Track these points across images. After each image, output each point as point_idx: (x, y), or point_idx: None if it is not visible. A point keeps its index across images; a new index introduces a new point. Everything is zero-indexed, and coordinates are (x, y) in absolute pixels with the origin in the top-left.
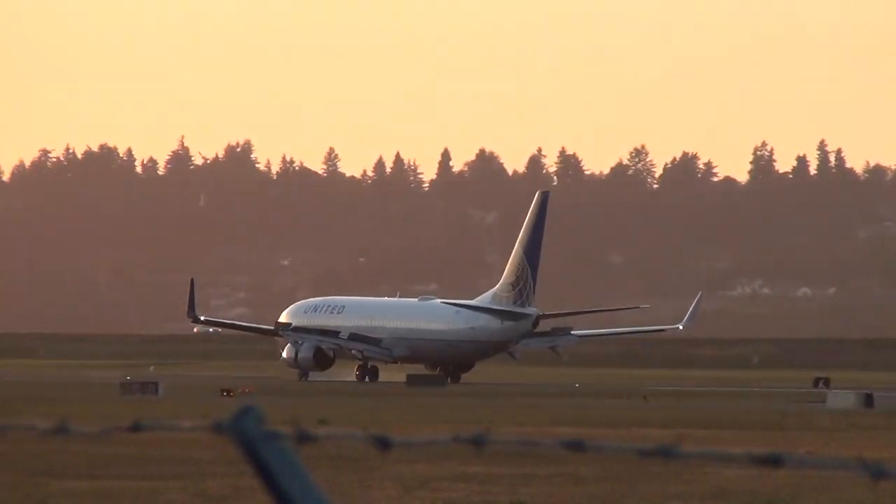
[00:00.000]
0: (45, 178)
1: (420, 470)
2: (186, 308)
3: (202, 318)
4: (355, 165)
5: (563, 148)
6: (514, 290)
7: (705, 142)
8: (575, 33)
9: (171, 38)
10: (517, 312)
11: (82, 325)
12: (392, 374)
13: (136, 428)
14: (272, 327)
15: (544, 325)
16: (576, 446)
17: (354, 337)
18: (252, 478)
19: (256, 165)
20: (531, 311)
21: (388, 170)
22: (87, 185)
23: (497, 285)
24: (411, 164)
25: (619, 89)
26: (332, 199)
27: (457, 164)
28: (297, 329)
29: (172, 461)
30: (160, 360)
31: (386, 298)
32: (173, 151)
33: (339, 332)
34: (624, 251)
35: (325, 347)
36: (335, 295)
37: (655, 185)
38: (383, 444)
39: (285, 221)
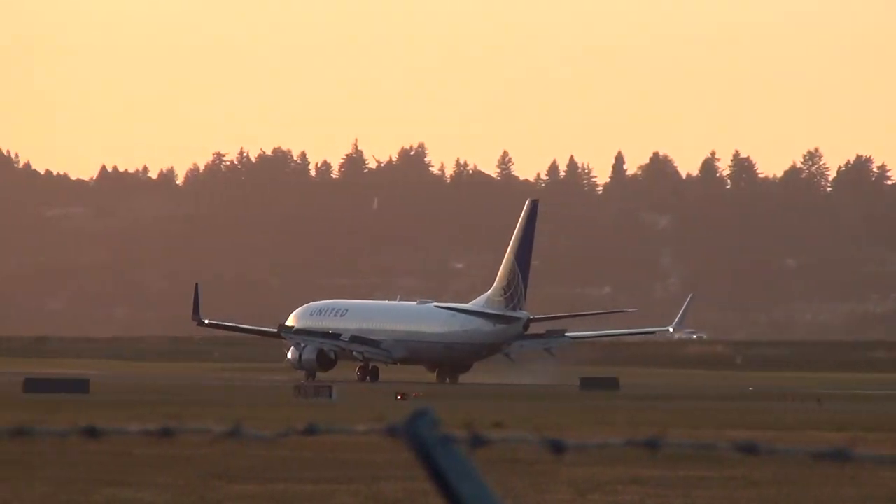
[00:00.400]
0: (218, 181)
1: (594, 473)
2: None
3: (206, 320)
4: (529, 169)
5: (736, 151)
6: (505, 294)
7: (879, 145)
8: (750, 36)
9: (346, 42)
10: (509, 316)
11: None
12: (397, 373)
13: (310, 431)
14: (275, 330)
15: (540, 328)
16: (749, 449)
17: (355, 339)
18: (426, 481)
19: (430, 169)
20: (522, 314)
21: (562, 173)
22: (260, 188)
23: (490, 290)
24: (585, 167)
25: (793, 92)
26: (505, 203)
27: (630, 168)
28: (299, 332)
29: (346, 465)
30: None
31: (386, 302)
32: (347, 155)
33: (340, 335)
34: (797, 254)
35: (326, 349)
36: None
37: (829, 188)
38: (557, 447)
39: (459, 225)
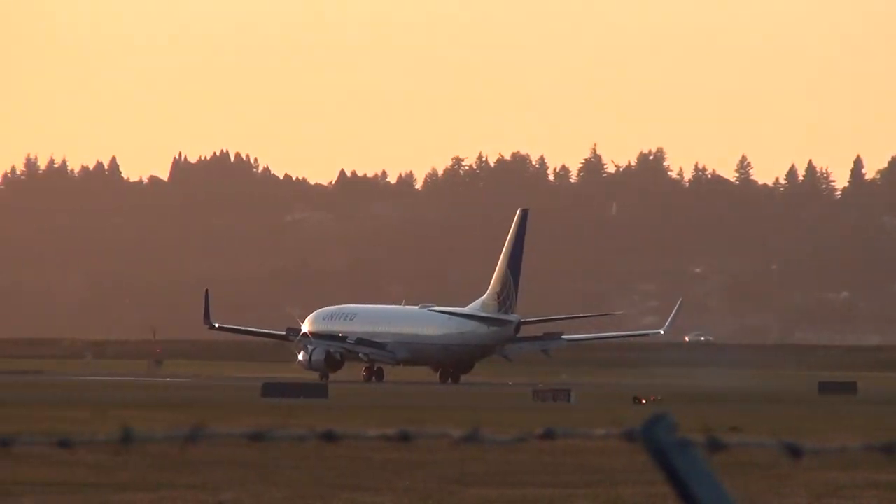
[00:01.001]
0: (456, 186)
1: (832, 478)
2: (203, 316)
3: (216, 325)
4: (768, 173)
5: None
6: (499, 298)
7: None
8: None
9: (586, 46)
10: (501, 319)
11: None
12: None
13: (548, 435)
14: (284, 333)
15: (536, 330)
16: None
17: (361, 341)
18: (664, 485)
19: (668, 173)
20: (513, 317)
21: (801, 178)
22: (496, 193)
23: (484, 295)
24: (823, 171)
25: None
26: (744, 207)
27: (869, 172)
28: (306, 335)
29: (584, 469)
30: (571, 367)
31: (391, 306)
32: (586, 159)
33: (346, 337)
34: None
35: (333, 351)
36: None
37: None
38: (794, 451)
39: (697, 229)
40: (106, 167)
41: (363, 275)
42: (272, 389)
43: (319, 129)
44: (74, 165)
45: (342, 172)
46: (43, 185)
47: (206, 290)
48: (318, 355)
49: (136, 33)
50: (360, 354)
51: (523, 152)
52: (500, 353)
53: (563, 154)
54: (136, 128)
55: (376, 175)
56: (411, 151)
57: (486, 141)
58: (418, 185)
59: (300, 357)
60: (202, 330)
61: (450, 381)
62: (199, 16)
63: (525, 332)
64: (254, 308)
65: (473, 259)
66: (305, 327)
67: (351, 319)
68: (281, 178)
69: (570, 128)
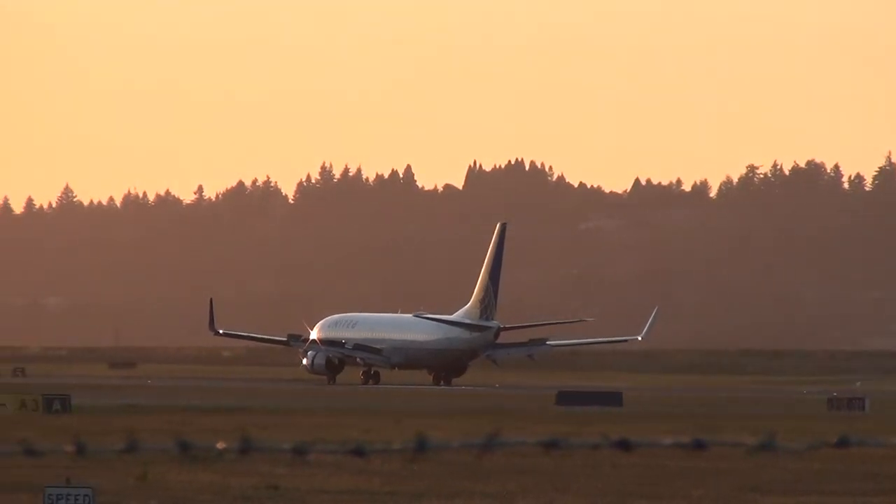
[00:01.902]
0: (752, 195)
1: None
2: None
3: (220, 331)
4: None
5: None
6: (481, 306)
7: None
8: None
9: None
10: (482, 325)
11: (786, 341)
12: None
13: (842, 443)
14: (285, 339)
15: (522, 336)
16: None
17: (359, 347)
18: None
19: None
20: (493, 324)
21: None
22: (793, 202)
23: (468, 303)
24: None
25: None
26: None
27: None
28: (314, 341)
29: (879, 478)
30: (866, 375)
31: (387, 314)
32: (880, 167)
33: (344, 343)
34: None
35: (332, 356)
36: None
37: None
38: None
39: None
40: (401, 175)
41: (654, 283)
42: (566, 397)
43: (614, 136)
44: (369, 174)
45: (637, 180)
46: (337, 192)
47: (211, 300)
48: (320, 360)
49: (446, 42)
50: (357, 359)
51: (818, 160)
52: (490, 358)
53: (858, 162)
54: (431, 136)
55: (671, 183)
56: (706, 159)
57: (780, 149)
58: (713, 194)
59: (304, 361)
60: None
61: (442, 383)
62: (499, 27)
63: (510, 337)
64: (546, 315)
65: (753, 266)
66: (314, 334)
67: (352, 327)
68: (576, 186)
69: (864, 136)
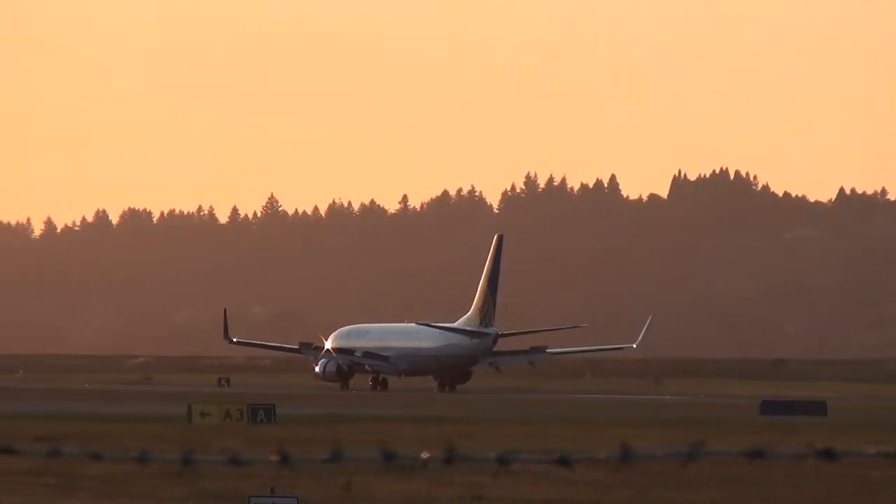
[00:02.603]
0: None
1: None
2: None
3: (234, 339)
4: None
5: None
6: (480, 314)
7: None
8: None
9: None
10: (481, 332)
11: None
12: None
13: None
14: (296, 347)
15: (522, 343)
16: None
17: (368, 355)
18: None
19: None
20: (491, 330)
21: None
22: None
23: (469, 311)
24: None
25: None
26: None
27: None
28: (328, 350)
29: None
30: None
31: (395, 324)
32: None
33: (354, 351)
34: None
35: (342, 364)
36: None
37: None
38: None
39: None
40: (605, 185)
41: (858, 292)
42: (771, 407)
43: (819, 145)
44: (574, 183)
45: (841, 190)
46: (542, 202)
47: (225, 310)
48: (331, 367)
49: (650, 51)
50: (365, 366)
51: None
52: (492, 365)
53: None
54: (637, 146)
55: (875, 192)
56: None
57: None
58: None
59: (316, 369)
60: (692, 347)
61: (447, 389)
62: (705, 36)
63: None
64: (751, 326)
65: None
66: (328, 343)
67: (364, 336)
68: (780, 195)
69: None
